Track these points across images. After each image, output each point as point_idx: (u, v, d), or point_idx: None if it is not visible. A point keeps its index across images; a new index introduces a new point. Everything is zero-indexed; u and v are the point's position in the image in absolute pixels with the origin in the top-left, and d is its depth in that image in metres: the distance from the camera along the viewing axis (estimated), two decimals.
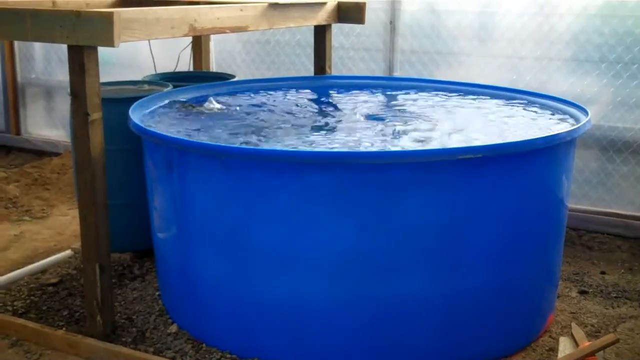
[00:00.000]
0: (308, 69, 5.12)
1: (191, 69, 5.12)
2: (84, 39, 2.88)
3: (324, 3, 4.31)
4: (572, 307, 3.59)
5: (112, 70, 4.95)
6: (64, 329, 3.30)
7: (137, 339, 3.23)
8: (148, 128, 3.15)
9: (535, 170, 3.01)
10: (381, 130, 3.34)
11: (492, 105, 3.85)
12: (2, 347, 3.20)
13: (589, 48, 4.53)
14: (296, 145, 3.10)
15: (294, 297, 2.91)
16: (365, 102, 4.02)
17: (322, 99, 4.12)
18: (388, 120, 3.54)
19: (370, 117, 3.60)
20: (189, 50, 5.12)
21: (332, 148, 3.07)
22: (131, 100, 3.54)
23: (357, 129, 3.37)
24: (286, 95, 4.19)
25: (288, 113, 3.72)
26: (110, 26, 2.80)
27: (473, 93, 4.09)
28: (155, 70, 5.01)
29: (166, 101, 3.79)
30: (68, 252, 4.14)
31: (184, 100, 3.86)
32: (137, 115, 3.35)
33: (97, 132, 3.05)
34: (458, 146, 3.00)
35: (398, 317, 2.89)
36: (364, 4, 4.43)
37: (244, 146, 3.03)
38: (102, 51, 2.98)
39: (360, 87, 4.36)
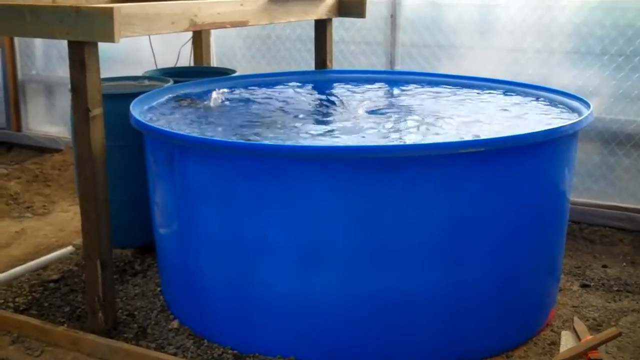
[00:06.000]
0: (309, 64, 5.11)
1: (192, 64, 5.11)
2: (84, 34, 2.88)
3: None
4: (573, 301, 3.59)
5: (112, 66, 4.94)
6: (65, 325, 3.30)
7: (139, 335, 3.23)
8: (149, 124, 3.14)
9: (538, 164, 3.00)
10: (383, 124, 3.33)
11: (493, 98, 3.84)
12: (3, 343, 3.20)
13: (590, 40, 4.51)
14: (299, 140, 3.09)
15: (296, 293, 2.90)
16: (367, 96, 4.00)
17: (323, 94, 4.11)
18: (389, 114, 3.53)
19: (372, 112, 3.59)
20: (189, 46, 5.11)
21: (334, 143, 3.06)
22: (132, 95, 3.54)
23: (359, 123, 3.36)
24: (287, 90, 4.17)
25: (290, 107, 3.71)
26: (111, 22, 2.80)
27: (474, 86, 4.08)
28: (156, 65, 5.01)
29: (167, 97, 3.79)
30: (69, 248, 4.14)
31: (183, 95, 3.85)
32: (137, 111, 3.34)
33: (97, 128, 3.04)
34: (460, 140, 2.99)
35: (400, 311, 2.88)
36: None
37: (245, 141, 3.02)
38: (103, 47, 2.97)
39: (362, 81, 4.35)
